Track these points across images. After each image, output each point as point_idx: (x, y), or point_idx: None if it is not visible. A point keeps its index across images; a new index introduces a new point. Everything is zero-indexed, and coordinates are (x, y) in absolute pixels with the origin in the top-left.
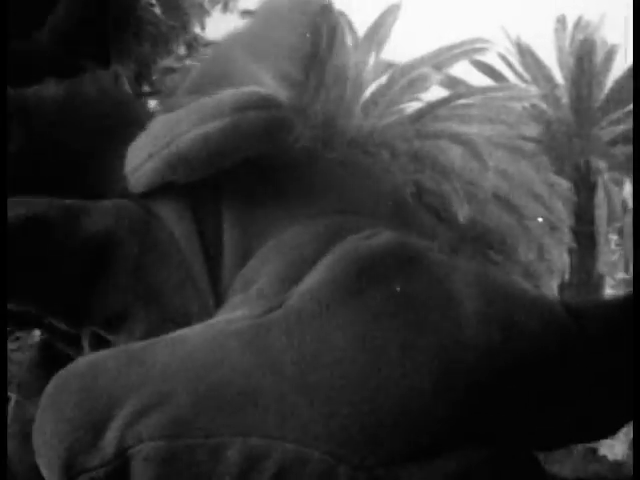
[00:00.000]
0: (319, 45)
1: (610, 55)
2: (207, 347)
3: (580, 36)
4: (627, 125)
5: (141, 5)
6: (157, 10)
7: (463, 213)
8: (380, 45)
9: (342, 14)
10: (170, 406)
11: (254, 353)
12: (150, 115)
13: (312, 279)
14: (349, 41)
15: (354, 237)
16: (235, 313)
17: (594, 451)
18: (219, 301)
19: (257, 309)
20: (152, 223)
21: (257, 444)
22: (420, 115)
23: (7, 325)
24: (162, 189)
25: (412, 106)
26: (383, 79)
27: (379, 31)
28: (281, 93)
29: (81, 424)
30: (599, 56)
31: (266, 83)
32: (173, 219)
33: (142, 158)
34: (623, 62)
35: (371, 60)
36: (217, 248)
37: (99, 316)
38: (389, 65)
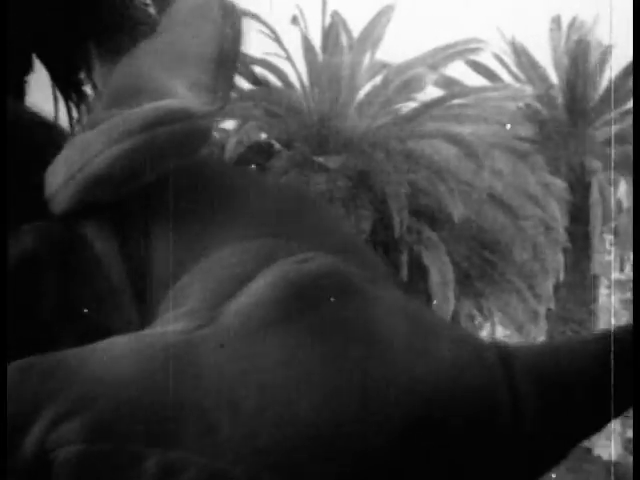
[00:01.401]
0: (224, 47)
1: (604, 55)
2: (134, 356)
3: (575, 36)
4: (622, 125)
5: (135, 4)
6: (151, 9)
7: (458, 213)
8: (375, 45)
9: (337, 14)
10: (92, 411)
11: (180, 367)
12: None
13: (245, 299)
14: (344, 41)
15: (288, 260)
16: (166, 328)
17: (589, 451)
18: (147, 318)
19: (188, 325)
20: (75, 242)
21: (175, 457)
22: (415, 115)
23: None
24: (85, 208)
25: (407, 106)
26: (378, 79)
27: (374, 31)
28: (194, 102)
29: (6, 428)
30: (594, 56)
31: (179, 93)
32: (96, 237)
33: (58, 184)
34: (618, 62)
35: (366, 60)
36: (145, 265)
37: (28, 339)
38: (384, 65)
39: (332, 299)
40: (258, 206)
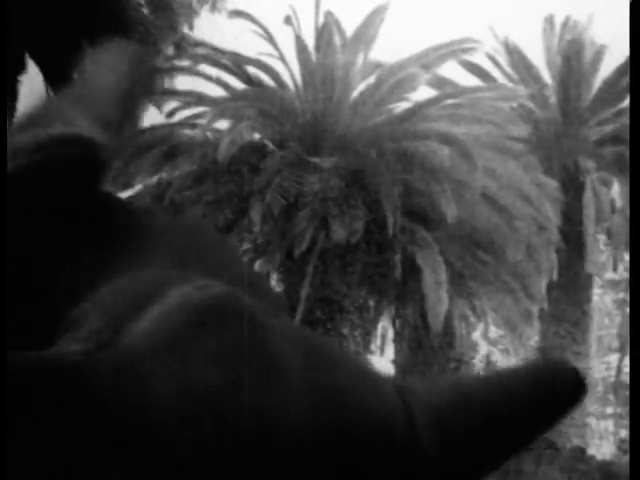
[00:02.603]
0: (131, 89)
1: (598, 55)
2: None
3: (568, 36)
4: (615, 125)
5: (130, 5)
6: (146, 10)
7: (451, 213)
8: (368, 45)
9: (330, 14)
10: None
11: (79, 390)
12: None
13: (147, 322)
14: (337, 41)
15: (187, 286)
16: (67, 349)
17: (582, 451)
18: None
19: (87, 346)
20: None
21: None
22: (409, 115)
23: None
24: None
25: (400, 106)
26: (371, 79)
27: (367, 31)
28: (95, 133)
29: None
30: (587, 56)
31: (82, 126)
32: None
33: None
34: (611, 62)
35: (359, 60)
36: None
37: None
38: (377, 65)
39: (230, 325)
40: (159, 241)
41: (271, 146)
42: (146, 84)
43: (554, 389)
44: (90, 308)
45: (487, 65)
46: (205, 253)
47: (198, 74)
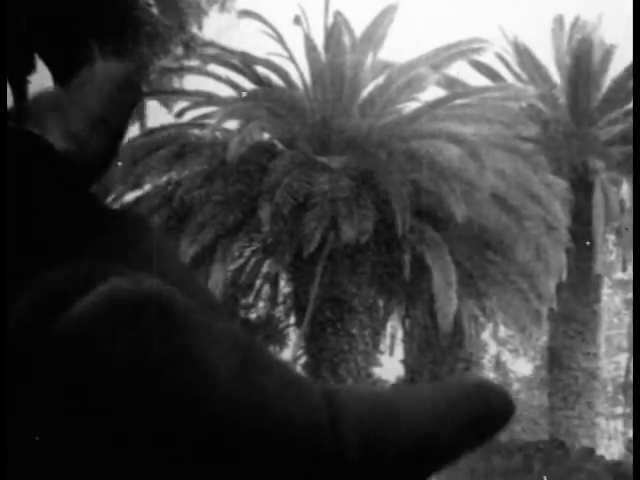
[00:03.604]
0: (113, 110)
1: (607, 55)
2: None
3: (578, 36)
4: (624, 125)
5: (139, 5)
6: (155, 10)
7: (460, 213)
8: (378, 45)
9: (339, 14)
10: None
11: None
12: None
13: (76, 310)
14: (346, 41)
15: (120, 279)
16: None
17: (592, 451)
18: None
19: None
20: None
21: None
22: (418, 115)
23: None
24: None
25: (410, 106)
26: (381, 79)
27: (377, 31)
28: (60, 146)
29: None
30: (596, 56)
31: (50, 132)
32: None
33: None
34: (620, 62)
35: (369, 60)
36: None
37: None
38: (386, 65)
39: (162, 322)
40: (94, 235)
41: (280, 146)
42: (121, 115)
43: (484, 408)
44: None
45: (496, 65)
46: (140, 247)
47: (207, 74)
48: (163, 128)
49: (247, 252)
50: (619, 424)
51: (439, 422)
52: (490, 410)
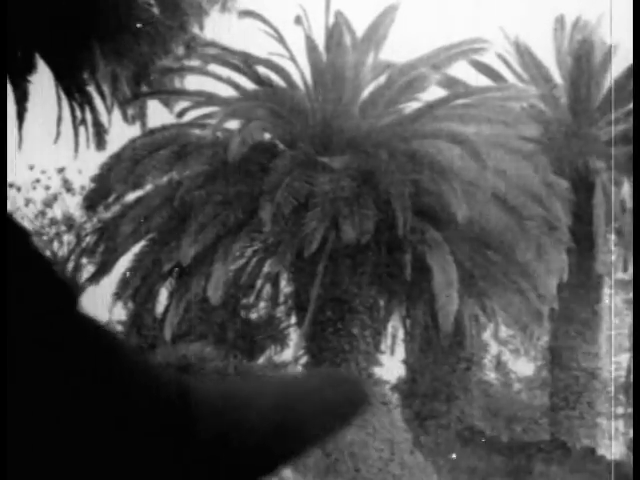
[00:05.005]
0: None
1: (608, 55)
2: None
3: (579, 36)
4: (626, 125)
5: (139, 5)
6: (155, 10)
7: (462, 213)
8: (379, 45)
9: (341, 14)
10: None
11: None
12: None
13: None
14: (347, 41)
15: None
16: None
17: (592, 451)
18: None
19: None
20: None
21: None
22: (419, 115)
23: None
24: None
25: (411, 106)
26: (382, 79)
27: (377, 31)
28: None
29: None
30: (597, 56)
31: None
32: None
33: None
34: (621, 62)
35: (370, 60)
36: None
37: None
38: (388, 65)
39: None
40: None
41: (281, 146)
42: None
43: (337, 397)
44: None
45: (497, 65)
46: None
47: (208, 74)
48: (164, 128)
49: (248, 252)
50: (620, 424)
51: (289, 411)
52: (343, 400)
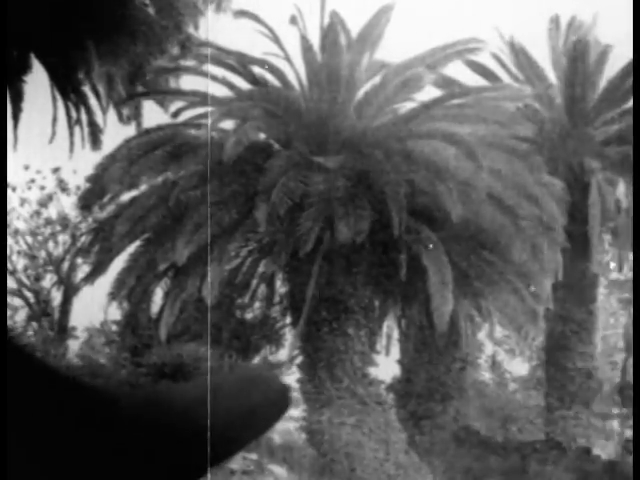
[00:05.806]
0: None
1: (603, 55)
2: None
3: (574, 36)
4: (621, 125)
5: (134, 5)
6: (151, 10)
7: (457, 213)
8: (374, 45)
9: (336, 14)
10: None
11: None
12: None
13: None
14: (342, 41)
15: None
16: None
17: (588, 451)
18: None
19: None
20: None
21: None
22: (414, 115)
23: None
24: None
25: (406, 106)
26: (377, 79)
27: (373, 31)
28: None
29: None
30: (592, 56)
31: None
32: None
33: None
34: (617, 62)
35: (365, 60)
36: None
37: None
38: (383, 65)
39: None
40: None
41: (276, 146)
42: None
43: (260, 399)
44: None
45: (492, 65)
46: None
47: (203, 74)
48: (159, 128)
49: (243, 252)
50: (615, 424)
51: (214, 414)
52: (266, 403)
